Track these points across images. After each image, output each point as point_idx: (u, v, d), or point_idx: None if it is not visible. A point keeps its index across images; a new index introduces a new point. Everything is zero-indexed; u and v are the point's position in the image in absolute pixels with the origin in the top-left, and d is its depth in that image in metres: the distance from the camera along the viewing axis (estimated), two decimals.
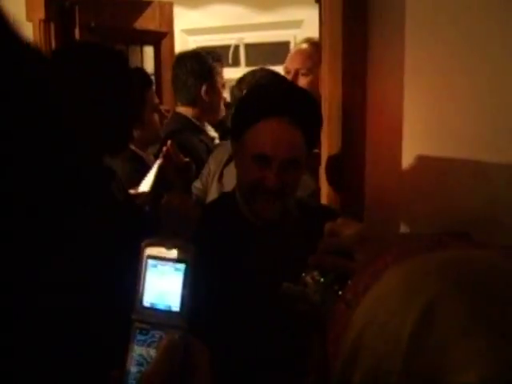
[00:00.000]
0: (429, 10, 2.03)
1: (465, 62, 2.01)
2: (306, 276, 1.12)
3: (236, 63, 5.91)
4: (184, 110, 2.89)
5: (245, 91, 2.28)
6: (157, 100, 2.54)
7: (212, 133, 3.10)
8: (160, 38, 3.48)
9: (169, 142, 2.11)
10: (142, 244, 0.73)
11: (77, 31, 2.92)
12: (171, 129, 2.72)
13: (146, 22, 3.32)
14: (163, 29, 3.46)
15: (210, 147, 2.88)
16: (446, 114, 2.04)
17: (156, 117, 2.50)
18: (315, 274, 1.10)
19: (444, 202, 2.08)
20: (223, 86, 2.93)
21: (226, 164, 2.35)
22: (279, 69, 3.62)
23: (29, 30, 2.88)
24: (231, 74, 6.00)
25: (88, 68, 1.61)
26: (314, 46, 2.92)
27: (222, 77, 2.93)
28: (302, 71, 2.88)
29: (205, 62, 2.87)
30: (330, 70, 2.09)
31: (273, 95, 1.66)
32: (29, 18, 2.88)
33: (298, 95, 1.67)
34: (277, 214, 1.64)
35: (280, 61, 5.69)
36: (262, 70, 2.51)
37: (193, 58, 2.89)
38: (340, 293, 0.96)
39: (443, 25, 2.01)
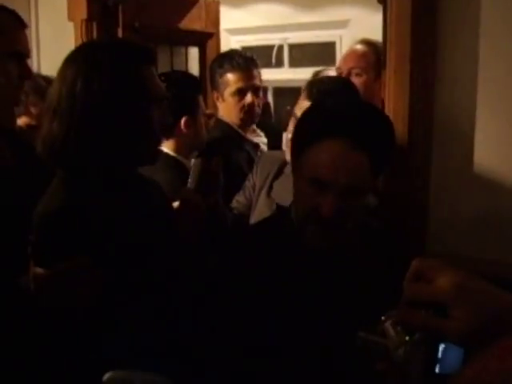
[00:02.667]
0: (507, 8, 1.84)
1: None
2: (385, 322, 0.95)
3: (279, 64, 5.77)
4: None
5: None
6: (203, 106, 2.39)
7: (259, 138, 2.94)
8: (206, 38, 3.35)
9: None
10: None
11: (120, 31, 2.79)
12: (213, 136, 2.57)
13: (192, 21, 3.19)
14: (209, 29, 3.32)
15: (252, 155, 2.72)
16: None
17: (203, 123, 2.35)
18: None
19: None
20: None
21: (276, 177, 2.18)
22: None
23: (70, 30, 2.79)
24: (274, 74, 5.90)
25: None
26: (370, 46, 2.75)
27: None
28: (356, 71, 2.69)
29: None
30: (397, 77, 1.91)
31: (338, 112, 1.46)
32: (71, 18, 2.78)
33: (367, 114, 1.46)
34: (329, 246, 1.46)
35: (324, 62, 5.56)
36: (331, 78, 2.30)
37: None
38: (429, 355, 0.81)
39: None
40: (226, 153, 2.52)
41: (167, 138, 2.22)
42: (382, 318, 0.96)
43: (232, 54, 2.75)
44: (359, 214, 1.49)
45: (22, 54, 1.65)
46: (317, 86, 2.05)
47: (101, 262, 1.33)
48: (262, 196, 2.17)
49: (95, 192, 1.45)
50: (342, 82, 2.19)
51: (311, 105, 1.63)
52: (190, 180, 1.83)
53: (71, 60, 1.49)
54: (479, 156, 1.92)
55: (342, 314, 1.44)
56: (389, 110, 1.96)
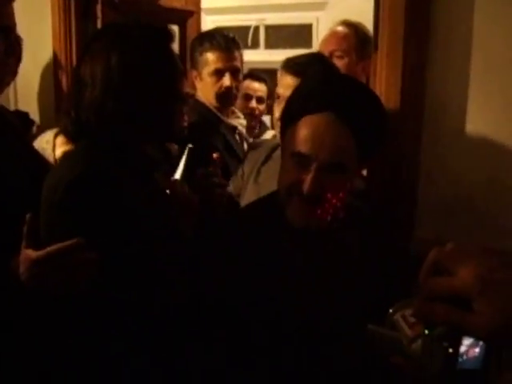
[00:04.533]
0: None
1: None
2: (394, 314, 0.92)
3: (255, 45, 5.70)
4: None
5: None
6: (186, 87, 2.32)
7: (238, 120, 2.88)
8: (186, 17, 3.26)
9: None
10: None
11: (99, 7, 2.70)
12: (192, 121, 2.50)
13: None
14: (189, 7, 3.23)
15: (227, 138, 2.66)
16: None
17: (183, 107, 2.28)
18: (406, 312, 0.91)
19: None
20: None
21: (264, 163, 2.14)
22: (300, 52, 3.43)
23: (47, 8, 2.69)
24: (250, 56, 5.82)
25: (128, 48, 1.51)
26: (351, 27, 2.70)
27: None
28: (337, 53, 2.64)
29: None
30: (389, 59, 1.88)
31: (320, 86, 1.44)
32: None
33: (350, 88, 1.44)
34: (312, 223, 1.43)
35: (301, 44, 5.53)
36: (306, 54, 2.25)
37: None
38: (451, 351, 0.77)
39: None
40: (203, 136, 2.47)
41: None
42: (390, 310, 0.94)
43: (214, 33, 2.68)
44: (343, 191, 1.44)
45: (7, 27, 1.58)
46: (294, 60, 2.02)
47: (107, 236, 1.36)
48: (250, 182, 2.14)
49: (115, 166, 1.48)
50: (317, 56, 2.15)
51: (300, 81, 1.60)
52: (177, 171, 1.79)
53: (100, 37, 1.55)
54: (471, 139, 1.90)
55: (327, 294, 1.44)
56: (380, 93, 1.93)
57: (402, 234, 1.97)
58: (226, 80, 2.61)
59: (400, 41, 1.87)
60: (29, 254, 1.27)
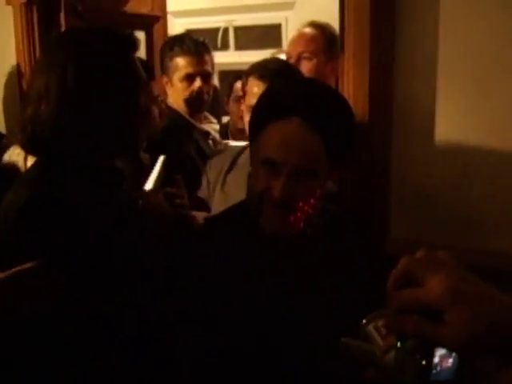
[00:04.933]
0: None
1: (501, 54, 1.81)
2: (366, 325, 0.91)
3: (225, 47, 5.68)
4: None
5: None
6: (156, 92, 2.28)
7: (211, 125, 2.86)
8: (152, 22, 3.22)
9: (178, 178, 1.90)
10: None
11: (62, 15, 2.66)
12: (163, 126, 2.47)
13: (137, 4, 3.06)
14: (155, 12, 3.20)
15: (200, 144, 2.63)
16: (486, 110, 1.84)
17: (156, 111, 2.24)
18: (379, 323, 0.89)
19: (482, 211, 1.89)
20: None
21: (229, 170, 2.11)
22: (269, 53, 3.41)
23: (8, 15, 2.65)
24: (220, 58, 5.78)
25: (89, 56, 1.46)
26: (319, 28, 2.68)
27: None
28: (305, 55, 2.62)
29: None
30: (356, 59, 1.87)
31: (289, 92, 1.42)
32: (8, 2, 2.64)
33: (321, 95, 1.42)
34: (285, 230, 1.42)
35: (271, 44, 5.50)
36: (274, 59, 2.24)
37: None
38: (424, 363, 0.76)
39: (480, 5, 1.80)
40: (176, 143, 2.45)
41: None
42: (363, 321, 0.92)
43: (183, 37, 2.66)
44: (315, 197, 1.43)
45: None
46: (260, 67, 2.00)
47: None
48: (217, 192, 2.11)
49: (71, 183, 1.43)
50: (281, 61, 2.16)
51: (266, 88, 1.57)
52: (150, 180, 1.76)
53: (57, 46, 1.49)
54: (440, 137, 1.91)
55: (302, 301, 1.42)
56: (348, 95, 1.92)
57: (376, 236, 1.96)
58: (197, 83, 2.58)
59: (366, 40, 1.86)
60: None
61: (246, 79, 2.05)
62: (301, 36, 2.71)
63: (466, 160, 1.88)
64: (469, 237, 1.92)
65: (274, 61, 2.09)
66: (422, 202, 1.98)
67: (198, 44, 2.59)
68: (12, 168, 1.99)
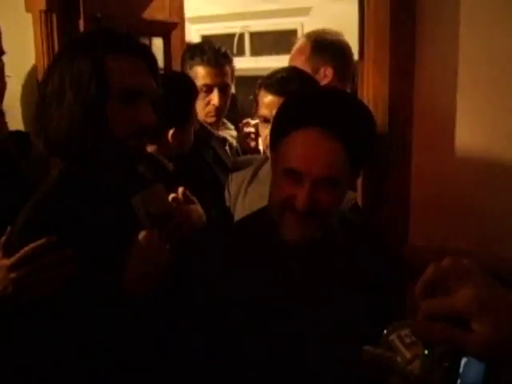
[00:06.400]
0: None
1: None
2: (389, 335, 0.91)
3: (241, 52, 5.69)
4: None
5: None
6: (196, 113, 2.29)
7: (229, 132, 2.87)
8: (170, 28, 3.23)
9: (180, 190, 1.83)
10: None
11: (81, 22, 2.67)
12: None
13: (155, 11, 3.07)
14: (173, 19, 3.21)
15: (217, 151, 2.64)
16: (507, 116, 1.82)
17: (191, 131, 2.24)
18: (402, 333, 0.89)
19: (503, 217, 1.87)
20: None
21: (250, 182, 2.10)
22: (285, 58, 3.41)
23: (28, 22, 2.66)
24: (236, 63, 5.75)
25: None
26: (307, 38, 2.63)
27: None
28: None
29: None
30: (375, 67, 1.87)
31: (307, 102, 1.43)
32: (28, 9, 2.65)
33: (342, 103, 1.42)
34: (306, 239, 1.43)
35: (286, 50, 5.48)
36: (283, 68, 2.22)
37: None
38: (450, 370, 0.77)
39: (501, 7, 1.79)
40: (194, 151, 2.44)
41: (151, 143, 2.08)
42: (386, 330, 0.92)
43: (204, 46, 2.66)
44: (337, 206, 1.45)
45: None
46: (273, 78, 2.00)
47: None
48: (238, 204, 2.11)
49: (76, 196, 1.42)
50: (294, 70, 2.13)
51: (286, 97, 1.57)
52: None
53: (68, 47, 1.50)
54: (461, 143, 1.89)
55: (323, 308, 1.42)
56: (368, 101, 1.91)
57: (394, 243, 1.95)
58: (214, 98, 2.59)
59: (386, 46, 1.85)
60: (4, 262, 1.27)
61: (258, 90, 2.06)
62: (293, 50, 2.71)
63: (486, 167, 1.86)
64: (488, 243, 1.90)
65: (285, 69, 2.08)
66: (441, 208, 1.96)
67: (218, 55, 2.60)
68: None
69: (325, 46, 2.53)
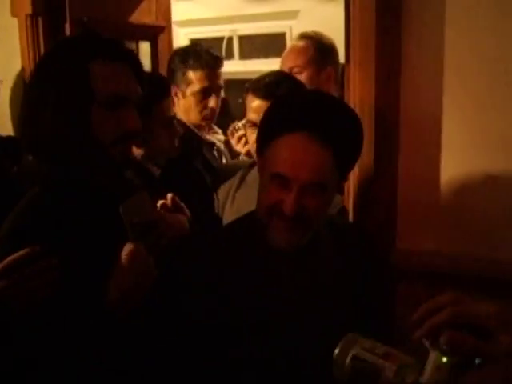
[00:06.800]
0: None
1: (508, 57, 1.80)
2: (347, 351, 0.91)
3: (229, 56, 5.67)
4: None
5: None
6: (171, 112, 2.25)
7: (217, 136, 2.86)
8: (157, 32, 3.22)
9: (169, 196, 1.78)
10: None
11: (67, 26, 2.66)
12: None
13: (142, 15, 3.07)
14: (160, 22, 3.20)
15: (206, 156, 2.64)
16: (494, 119, 1.83)
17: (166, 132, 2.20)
18: (366, 345, 0.91)
19: (489, 219, 1.88)
20: None
21: (238, 188, 2.10)
22: (274, 62, 3.41)
23: (14, 27, 2.65)
24: (225, 67, 5.74)
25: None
26: (309, 39, 2.70)
27: None
28: (295, 70, 2.64)
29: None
30: (361, 70, 1.87)
31: (293, 106, 1.41)
32: (14, 13, 2.65)
33: (328, 107, 1.40)
34: (293, 245, 1.41)
35: (275, 53, 5.50)
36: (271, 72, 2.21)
37: None
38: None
39: (487, 10, 1.79)
40: (185, 157, 2.43)
41: (137, 147, 2.05)
42: (336, 350, 0.93)
43: (198, 50, 2.63)
44: (324, 211, 1.44)
45: None
46: (261, 82, 2.00)
47: None
48: (226, 209, 2.10)
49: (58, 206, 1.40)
50: (282, 74, 2.14)
51: (273, 101, 1.56)
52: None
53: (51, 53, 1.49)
54: (449, 145, 1.90)
55: (307, 316, 1.42)
56: (354, 104, 1.91)
57: (382, 247, 1.95)
58: (212, 101, 2.58)
59: (372, 50, 1.85)
60: None
61: (246, 94, 2.05)
62: (290, 50, 2.74)
63: (475, 169, 1.87)
64: (476, 246, 1.91)
65: (272, 73, 2.08)
66: (428, 212, 1.96)
67: (214, 58, 2.59)
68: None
69: (327, 47, 2.55)
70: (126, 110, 1.42)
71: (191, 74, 2.56)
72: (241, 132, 2.74)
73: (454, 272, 1.88)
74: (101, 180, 1.48)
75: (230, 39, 5.69)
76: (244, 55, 5.75)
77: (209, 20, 5.57)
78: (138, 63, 1.50)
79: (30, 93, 1.44)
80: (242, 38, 5.71)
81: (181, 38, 5.47)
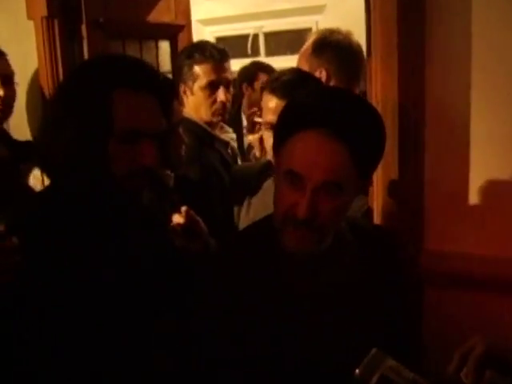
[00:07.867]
0: None
1: None
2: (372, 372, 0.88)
3: (255, 53, 5.62)
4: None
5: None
6: (181, 115, 2.19)
7: (228, 135, 2.80)
8: (176, 31, 3.17)
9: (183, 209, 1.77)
10: None
11: (84, 28, 2.63)
12: (186, 143, 2.39)
13: (161, 14, 3.02)
14: (179, 21, 3.15)
15: (223, 155, 2.60)
16: None
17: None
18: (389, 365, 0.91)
19: None
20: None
21: (254, 193, 2.05)
22: None
23: (30, 29, 2.64)
24: None
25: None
26: (312, 38, 2.58)
27: None
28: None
29: None
30: (383, 65, 1.78)
31: (310, 103, 1.34)
32: (30, 16, 2.64)
33: (345, 103, 1.33)
34: (308, 251, 1.35)
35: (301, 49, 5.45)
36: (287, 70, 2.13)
37: None
38: None
39: None
40: (201, 156, 2.41)
41: None
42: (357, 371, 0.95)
43: (203, 44, 2.61)
44: (342, 214, 1.37)
45: None
46: (278, 80, 1.92)
47: None
48: (242, 215, 2.06)
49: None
50: (299, 72, 2.05)
51: (289, 98, 1.49)
52: None
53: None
54: (477, 144, 1.79)
55: (331, 323, 1.36)
56: (377, 100, 1.82)
57: (410, 248, 1.86)
58: (221, 94, 2.52)
59: (394, 43, 1.76)
60: None
61: (262, 94, 1.98)
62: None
63: (505, 168, 1.77)
64: (504, 248, 1.80)
65: (289, 72, 2.00)
66: (456, 212, 1.86)
67: (219, 50, 2.54)
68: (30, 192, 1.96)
69: (324, 47, 2.45)
70: (143, 145, 1.36)
71: (197, 69, 2.51)
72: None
73: (482, 275, 1.80)
74: (113, 210, 1.43)
75: (256, 36, 5.64)
76: (270, 52, 5.70)
77: (234, 17, 5.54)
78: (166, 93, 1.44)
79: (50, 113, 1.40)
80: (267, 35, 5.67)
81: (206, 36, 5.44)
